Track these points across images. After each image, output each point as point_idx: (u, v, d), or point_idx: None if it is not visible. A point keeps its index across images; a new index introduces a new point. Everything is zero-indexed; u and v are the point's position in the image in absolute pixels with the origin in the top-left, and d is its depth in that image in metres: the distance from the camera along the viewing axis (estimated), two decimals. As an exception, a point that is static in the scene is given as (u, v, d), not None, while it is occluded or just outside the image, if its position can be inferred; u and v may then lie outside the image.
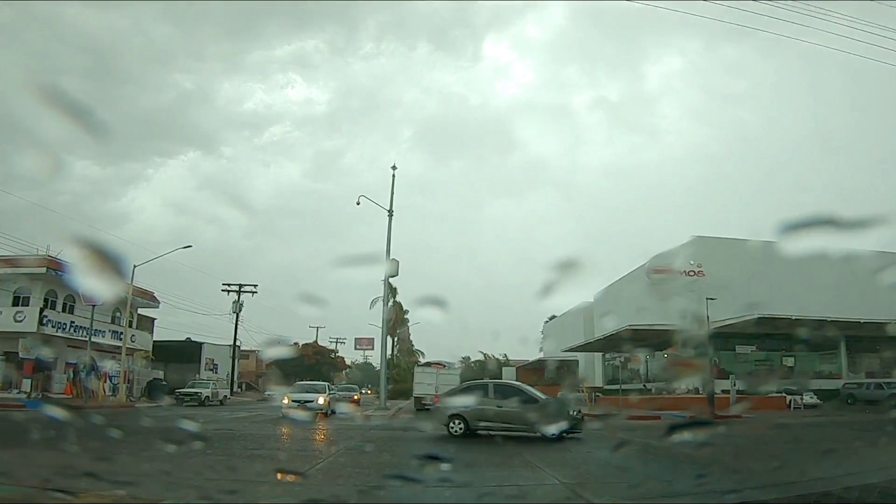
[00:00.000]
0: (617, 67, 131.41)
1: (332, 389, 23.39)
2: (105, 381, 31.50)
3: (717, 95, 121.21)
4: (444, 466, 6.20)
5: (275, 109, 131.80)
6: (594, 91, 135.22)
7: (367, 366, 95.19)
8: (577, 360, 62.78)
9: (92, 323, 28.57)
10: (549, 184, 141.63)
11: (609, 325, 45.77)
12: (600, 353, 55.02)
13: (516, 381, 76.86)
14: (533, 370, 76.57)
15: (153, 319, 40.64)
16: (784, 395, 30.52)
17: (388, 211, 30.02)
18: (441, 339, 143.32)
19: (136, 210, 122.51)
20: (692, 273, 35.45)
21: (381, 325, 28.21)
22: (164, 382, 35.79)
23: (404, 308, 67.34)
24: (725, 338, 39.48)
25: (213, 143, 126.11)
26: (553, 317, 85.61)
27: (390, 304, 60.89)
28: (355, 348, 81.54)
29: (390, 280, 60.32)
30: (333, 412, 22.49)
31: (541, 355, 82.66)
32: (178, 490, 5.59)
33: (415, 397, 28.86)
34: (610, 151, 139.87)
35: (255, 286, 49.12)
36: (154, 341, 45.00)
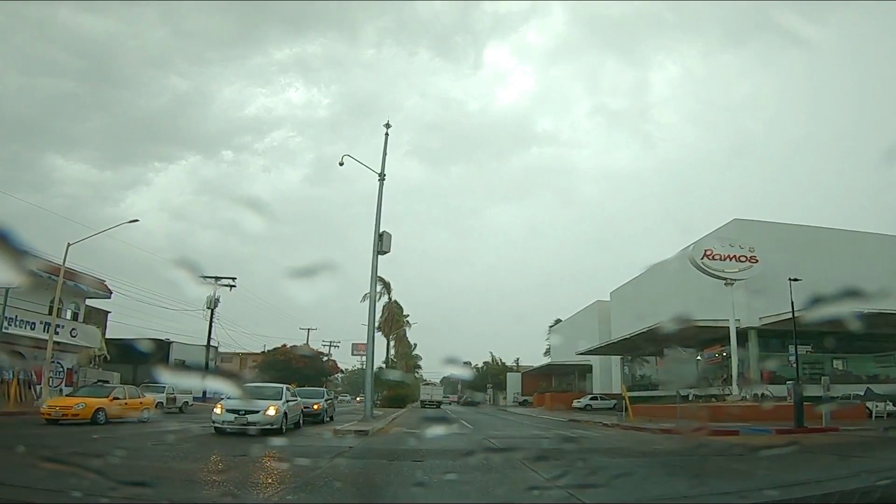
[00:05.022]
0: (617, 74, 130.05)
1: (294, 396, 17.27)
2: (16, 382, 25.67)
3: (715, 103, 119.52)
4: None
5: (276, 113, 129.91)
6: (594, 98, 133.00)
7: (363, 371, 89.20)
8: (591, 365, 56.99)
9: (4, 309, 22.78)
10: (548, 190, 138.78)
11: (630, 325, 40.19)
12: (619, 357, 49.10)
13: (521, 387, 72.10)
14: (541, 375, 70.84)
15: (107, 313, 34.79)
16: (863, 402, 24.70)
17: (380, 175, 24.43)
18: (442, 342, 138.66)
19: (135, 215, 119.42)
20: (744, 259, 29.66)
21: (369, 317, 22.29)
22: (110, 384, 29.83)
23: (402, 307, 61.80)
24: (772, 336, 33.79)
25: (215, 148, 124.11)
26: (558, 320, 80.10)
27: (385, 300, 55.43)
28: (352, 354, 76.45)
29: (386, 279, 55.03)
30: (299, 425, 16.68)
31: (545, 360, 77.08)
32: None
33: (421, 400, 54.36)
34: (609, 158, 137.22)
35: (234, 279, 43.17)
36: (117, 339, 39.54)
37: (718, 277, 29.27)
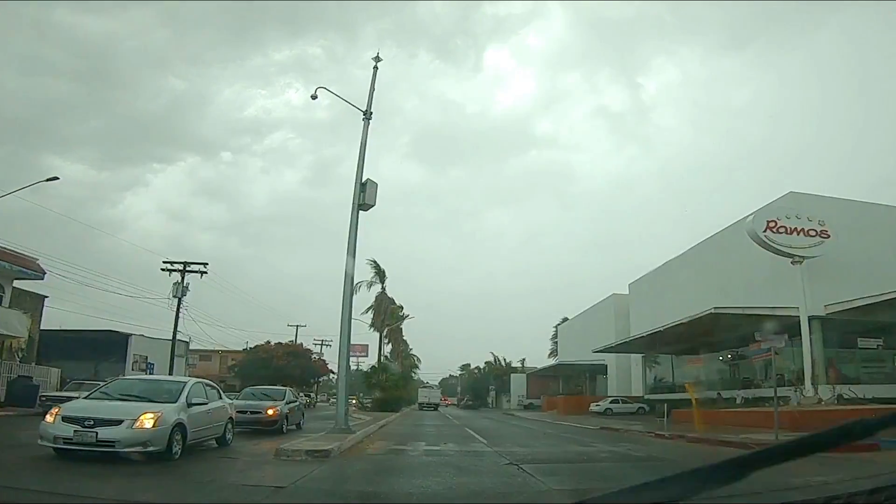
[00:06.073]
0: (617, 78, 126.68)
1: (210, 398, 10.47)
2: None
3: (715, 106, 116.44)
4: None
5: (275, 115, 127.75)
6: (593, 101, 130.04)
7: (356, 373, 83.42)
8: (606, 365, 51.36)
9: None
10: (547, 192, 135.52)
11: (653, 319, 34.67)
12: (640, 355, 43.42)
13: (527, 389, 66.92)
14: (548, 377, 65.26)
15: (43, 298, 29.11)
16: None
17: (365, 112, 19.06)
18: (442, 344, 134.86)
19: (134, 216, 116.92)
20: (814, 233, 24.12)
21: (344, 289, 16.59)
22: (32, 381, 24.24)
23: (397, 303, 55.97)
24: (839, 328, 28.20)
25: (214, 149, 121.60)
26: (565, 319, 74.97)
27: (378, 289, 49.76)
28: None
29: (379, 264, 49.26)
30: (225, 441, 10.87)
31: (550, 360, 71.67)
32: None
33: (419, 403, 56.48)
34: (608, 161, 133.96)
35: (205, 265, 37.60)
36: (65, 331, 34.16)
37: (784, 254, 23.71)
